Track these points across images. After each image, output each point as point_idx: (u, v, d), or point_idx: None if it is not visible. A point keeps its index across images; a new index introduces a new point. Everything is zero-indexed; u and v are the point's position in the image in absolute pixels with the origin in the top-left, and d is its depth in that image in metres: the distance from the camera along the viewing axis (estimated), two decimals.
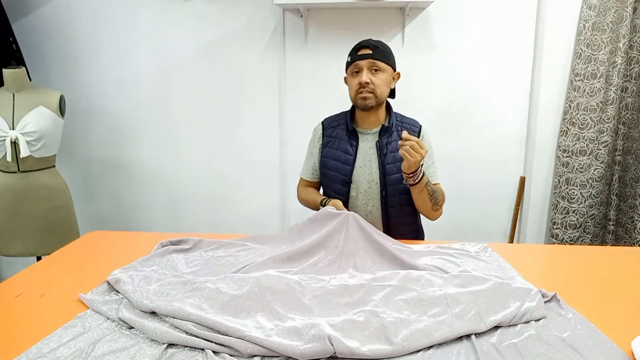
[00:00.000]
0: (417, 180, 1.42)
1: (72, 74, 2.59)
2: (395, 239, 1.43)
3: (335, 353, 0.85)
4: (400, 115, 1.64)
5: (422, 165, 1.41)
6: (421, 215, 1.69)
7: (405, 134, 1.34)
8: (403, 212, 1.58)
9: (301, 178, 1.71)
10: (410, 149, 1.32)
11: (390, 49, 1.55)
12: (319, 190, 1.72)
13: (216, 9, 2.45)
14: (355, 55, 1.50)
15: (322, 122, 1.67)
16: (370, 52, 1.48)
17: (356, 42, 1.56)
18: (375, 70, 1.49)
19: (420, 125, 1.62)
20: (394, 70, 1.56)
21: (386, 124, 1.57)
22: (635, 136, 2.33)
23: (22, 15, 2.52)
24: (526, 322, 0.96)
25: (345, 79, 1.61)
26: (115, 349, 0.87)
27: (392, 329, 0.91)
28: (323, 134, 1.64)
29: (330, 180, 1.59)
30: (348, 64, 1.54)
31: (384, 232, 1.54)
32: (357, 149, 1.56)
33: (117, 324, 0.97)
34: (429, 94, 2.47)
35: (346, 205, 1.55)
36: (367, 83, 1.47)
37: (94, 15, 2.51)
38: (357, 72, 1.51)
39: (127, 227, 2.75)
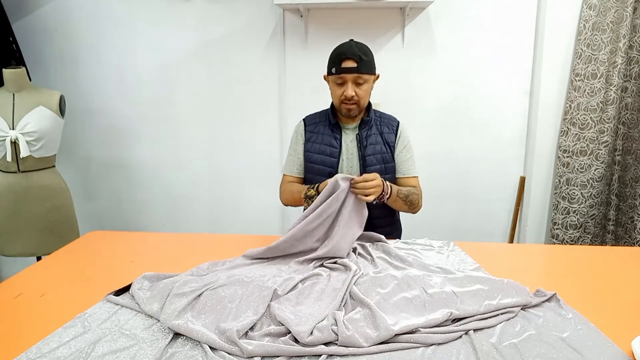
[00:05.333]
0: (386, 198, 1.47)
1: (72, 74, 2.59)
2: (374, 232, 1.50)
3: (337, 340, 0.88)
4: (379, 112, 1.66)
5: (385, 183, 1.44)
6: (400, 212, 1.73)
7: (353, 179, 1.36)
8: (381, 203, 1.59)
9: (285, 175, 1.71)
10: (363, 190, 1.36)
11: (371, 54, 1.54)
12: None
13: (216, 9, 2.45)
14: (339, 67, 1.50)
15: (304, 119, 1.70)
16: (355, 65, 1.48)
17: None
18: (359, 83, 1.50)
19: (398, 122, 1.65)
20: (375, 73, 1.57)
21: (365, 118, 1.60)
22: (635, 136, 2.33)
23: (22, 15, 2.52)
24: (525, 320, 0.97)
25: (324, 76, 1.61)
26: (115, 349, 0.87)
27: (393, 324, 0.91)
28: (305, 129, 1.66)
29: (316, 174, 1.61)
30: (331, 72, 1.53)
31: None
32: (341, 141, 1.59)
33: (117, 323, 0.97)
34: (428, 94, 2.47)
35: None
36: (352, 97, 1.50)
37: (94, 15, 2.51)
38: (341, 83, 1.52)
39: (127, 227, 2.76)
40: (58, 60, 2.58)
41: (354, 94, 1.50)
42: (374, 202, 1.52)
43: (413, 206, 1.57)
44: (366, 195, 1.36)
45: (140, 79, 2.57)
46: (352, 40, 1.54)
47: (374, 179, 1.37)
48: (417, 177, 1.65)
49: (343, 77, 1.50)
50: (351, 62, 1.48)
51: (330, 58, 1.55)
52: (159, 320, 0.98)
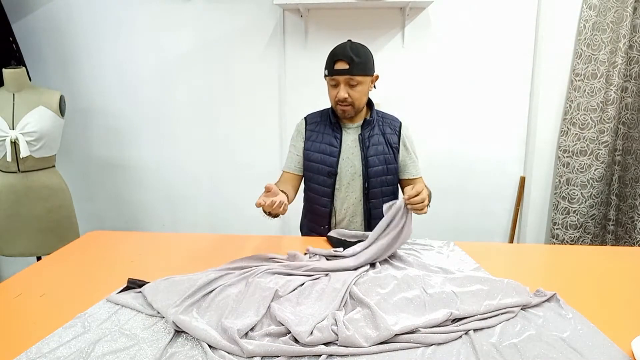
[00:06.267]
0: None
1: (72, 74, 2.59)
2: None
3: (337, 340, 0.88)
4: (382, 112, 1.66)
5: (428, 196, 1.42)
6: None
7: (407, 194, 1.33)
8: (384, 203, 1.59)
9: (284, 172, 1.71)
10: (418, 205, 1.33)
11: (368, 55, 1.52)
12: (298, 185, 1.71)
13: (216, 9, 2.45)
14: (332, 69, 1.49)
15: (305, 118, 1.69)
16: (347, 66, 1.47)
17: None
18: (352, 84, 1.49)
19: (401, 122, 1.64)
20: (373, 74, 1.56)
21: (368, 118, 1.60)
22: (635, 136, 2.33)
23: (22, 15, 2.52)
24: (525, 320, 0.97)
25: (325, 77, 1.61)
26: (115, 349, 0.87)
27: (393, 324, 0.91)
28: (306, 128, 1.66)
29: (315, 173, 1.61)
30: (325, 74, 1.54)
31: (365, 224, 1.61)
32: (341, 141, 1.59)
33: (117, 323, 0.97)
34: (428, 94, 2.47)
35: (331, 197, 1.58)
36: (345, 98, 1.49)
37: (94, 15, 2.51)
38: (334, 85, 1.52)
39: (127, 227, 2.76)
40: (58, 60, 2.58)
41: (346, 96, 1.49)
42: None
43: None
44: (421, 209, 1.33)
45: (140, 79, 2.57)
46: (349, 40, 1.54)
47: (422, 190, 1.33)
48: (421, 177, 1.65)
49: (336, 79, 1.50)
50: (343, 63, 1.47)
51: (326, 61, 1.55)
52: (162, 318, 0.99)
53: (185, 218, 2.74)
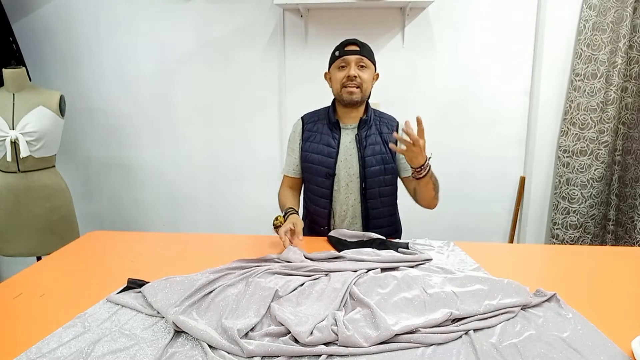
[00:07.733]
0: (424, 174, 1.44)
1: (72, 74, 2.59)
2: (374, 232, 1.50)
3: (337, 340, 0.88)
4: (379, 111, 1.66)
5: (429, 158, 1.44)
6: (400, 212, 1.72)
7: (405, 127, 1.34)
8: (382, 204, 1.61)
9: (284, 176, 1.72)
10: (411, 146, 1.34)
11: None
12: (301, 187, 1.73)
13: (216, 9, 2.45)
14: (343, 50, 1.54)
15: (302, 118, 1.69)
16: (358, 48, 1.53)
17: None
18: (362, 66, 1.53)
19: (397, 122, 1.65)
20: (376, 69, 1.60)
21: (364, 117, 1.60)
22: (635, 136, 2.33)
23: (22, 15, 2.53)
24: (525, 320, 0.97)
25: (325, 74, 1.63)
26: (115, 349, 0.87)
27: (393, 324, 0.91)
28: (303, 128, 1.66)
29: (313, 174, 1.61)
30: (334, 59, 1.56)
31: (364, 225, 1.60)
32: (339, 141, 1.59)
33: (117, 324, 0.97)
34: (428, 94, 2.47)
35: (329, 198, 1.59)
36: (355, 77, 1.51)
37: (95, 15, 2.51)
38: (343, 67, 1.54)
39: (127, 227, 2.76)
40: (58, 60, 2.58)
41: (356, 74, 1.51)
42: (413, 176, 1.48)
43: (437, 195, 1.54)
44: (414, 144, 1.34)
45: (141, 79, 2.57)
46: None
47: (421, 141, 1.35)
48: None
49: (346, 59, 1.52)
50: (354, 46, 1.53)
51: (333, 51, 1.58)
52: (162, 318, 0.99)
53: (185, 218, 2.74)
